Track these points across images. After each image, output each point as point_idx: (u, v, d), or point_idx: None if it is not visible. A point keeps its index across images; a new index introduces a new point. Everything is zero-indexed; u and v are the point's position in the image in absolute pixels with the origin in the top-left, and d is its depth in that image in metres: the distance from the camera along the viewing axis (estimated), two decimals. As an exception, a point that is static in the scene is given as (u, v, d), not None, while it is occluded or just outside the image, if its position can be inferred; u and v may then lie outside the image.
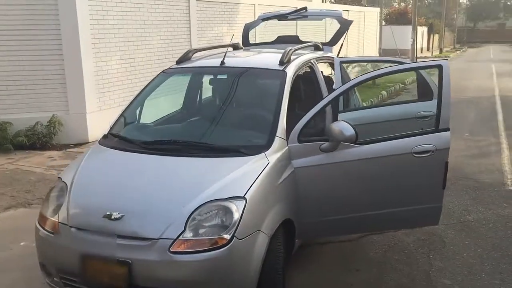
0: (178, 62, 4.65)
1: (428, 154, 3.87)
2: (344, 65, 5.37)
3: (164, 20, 10.94)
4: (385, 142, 3.92)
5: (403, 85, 16.78)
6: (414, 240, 4.82)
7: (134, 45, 10.08)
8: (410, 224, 4.36)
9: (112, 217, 3.14)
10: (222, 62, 4.36)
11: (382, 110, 5.25)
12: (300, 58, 4.57)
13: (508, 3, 79.59)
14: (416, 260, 4.43)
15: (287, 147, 3.72)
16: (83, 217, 3.27)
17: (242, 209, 3.11)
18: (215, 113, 4.14)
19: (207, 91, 4.67)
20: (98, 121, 9.24)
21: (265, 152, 3.54)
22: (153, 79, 4.57)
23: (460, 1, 72.75)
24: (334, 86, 4.93)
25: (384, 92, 14.77)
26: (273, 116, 3.81)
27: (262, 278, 3.23)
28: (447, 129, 3.91)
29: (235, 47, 5.51)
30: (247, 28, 6.19)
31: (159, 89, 4.51)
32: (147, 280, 3.05)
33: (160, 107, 4.79)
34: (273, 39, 5.92)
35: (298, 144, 3.77)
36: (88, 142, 8.90)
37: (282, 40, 5.79)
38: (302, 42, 5.83)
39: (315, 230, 4.04)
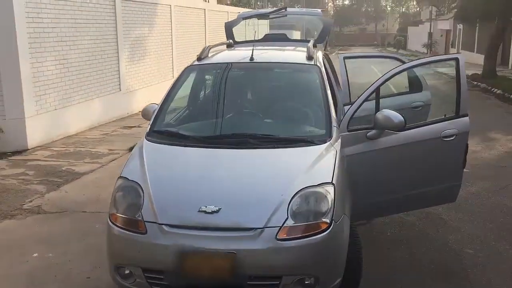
0: (199, 59, 4.63)
1: (453, 137, 4.32)
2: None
3: (94, 19, 10.47)
4: (418, 128, 4.29)
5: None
6: (417, 219, 5.28)
7: (67, 45, 9.54)
8: (434, 201, 4.79)
9: (209, 211, 3.12)
10: (252, 58, 4.43)
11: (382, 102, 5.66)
12: (319, 53, 4.80)
13: (369, 9, 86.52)
14: (431, 235, 4.88)
15: (340, 136, 3.94)
16: (176, 214, 3.20)
17: (333, 194, 3.27)
18: (261, 108, 4.22)
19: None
20: (36, 126, 8.63)
21: (330, 141, 3.73)
22: (180, 75, 4.50)
23: (327, 7, 78.18)
24: (341, 81, 5.26)
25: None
26: (325, 108, 4.00)
27: (347, 257, 3.41)
28: (466, 115, 4.38)
29: (229, 45, 5.58)
30: (229, 26, 6.26)
31: (186, 85, 4.46)
32: (254, 268, 3.08)
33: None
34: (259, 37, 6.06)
35: (347, 133, 4.00)
36: (28, 149, 8.27)
37: (270, 38, 5.95)
38: (289, 40, 6.07)
39: (364, 212, 4.29)
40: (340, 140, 3.88)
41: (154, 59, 13.72)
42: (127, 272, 3.30)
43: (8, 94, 8.19)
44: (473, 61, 26.42)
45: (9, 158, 7.87)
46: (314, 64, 4.39)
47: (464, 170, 4.43)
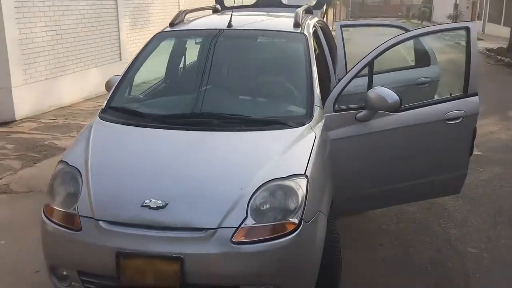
0: (171, 24, 4.06)
1: (459, 120, 3.72)
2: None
3: (90, -18, 9.91)
4: (418, 109, 3.70)
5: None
6: (418, 209, 4.72)
7: (60, 10, 9.00)
8: (436, 193, 4.22)
9: (154, 206, 2.62)
10: (229, 24, 3.86)
11: (383, 77, 5.03)
12: (309, 21, 4.19)
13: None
14: (431, 230, 4.34)
15: (324, 117, 3.37)
16: (114, 208, 2.69)
17: (305, 189, 2.73)
18: (235, 82, 3.64)
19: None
20: (24, 96, 8.18)
21: (309, 123, 3.17)
22: (147, 43, 3.95)
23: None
24: (338, 52, 4.66)
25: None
26: (307, 83, 3.43)
27: (322, 261, 2.89)
28: (475, 94, 3.77)
29: (215, 10, 4.99)
30: (220, -11, 5.65)
31: (155, 54, 3.91)
32: (204, 276, 2.59)
33: (160, 74, 4.19)
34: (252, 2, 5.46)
35: (333, 113, 3.43)
36: (15, 121, 7.86)
37: (262, 4, 5.35)
38: (284, 6, 5.45)
39: (346, 206, 3.76)
40: (323, 122, 3.32)
41: (159, 27, 13.11)
42: (64, 273, 2.84)
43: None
44: (499, 34, 25.18)
45: (-7, 129, 7.47)
46: (300, 33, 3.79)
47: (478, 152, 3.83)
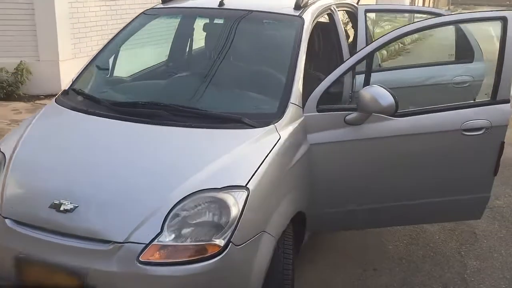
0: (164, 1, 3.67)
1: (481, 131, 3.03)
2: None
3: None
4: (427, 114, 3.05)
5: (402, 45, 15.73)
6: (439, 230, 4.03)
7: (115, -15, 8.92)
8: (448, 217, 3.54)
9: (61, 208, 2.26)
10: (221, 3, 3.40)
11: (409, 73, 4.34)
12: (319, 2, 3.61)
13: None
14: (446, 258, 3.65)
15: (302, 117, 2.84)
16: (23, 206, 2.37)
17: (242, 204, 2.25)
18: (210, 69, 3.19)
19: (199, 39, 3.69)
20: (73, 70, 8.10)
21: (276, 124, 2.66)
22: (130, 22, 3.60)
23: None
24: (358, 41, 4.07)
25: (384, 52, 13.75)
26: (287, 76, 2.90)
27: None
28: (507, 101, 3.05)
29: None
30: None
31: (139, 35, 3.54)
32: None
33: (140, 58, 3.83)
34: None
35: (316, 113, 2.89)
36: (61, 94, 7.90)
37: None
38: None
39: (332, 223, 3.22)
40: (299, 123, 2.80)
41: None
42: None
43: (42, 35, 7.77)
44: None
45: (35, 101, 7.54)
46: (297, 16, 3.24)
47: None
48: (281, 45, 3.17)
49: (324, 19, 3.79)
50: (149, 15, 3.59)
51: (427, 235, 3.95)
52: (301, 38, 3.08)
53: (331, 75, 2.93)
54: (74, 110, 2.88)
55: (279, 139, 2.59)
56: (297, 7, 3.33)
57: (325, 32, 3.91)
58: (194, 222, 2.23)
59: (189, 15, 3.64)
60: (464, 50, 4.17)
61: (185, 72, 3.17)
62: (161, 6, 3.63)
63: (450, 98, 3.67)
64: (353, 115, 2.88)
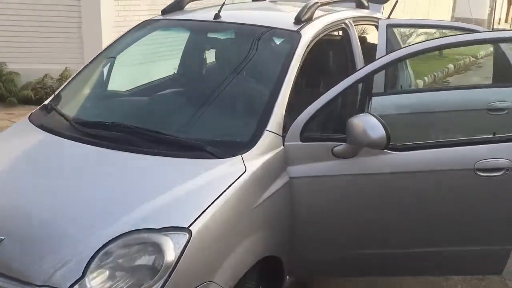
0: (163, 12, 3.44)
1: (500, 173, 2.54)
2: (399, 32, 4.00)
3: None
4: (433, 149, 2.61)
5: (474, 59, 14.74)
6: (461, 281, 3.50)
7: (164, -7, 8.90)
8: (461, 270, 3.04)
9: None
10: (217, 15, 3.12)
11: (437, 96, 3.85)
12: (329, 17, 3.24)
13: None
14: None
15: (282, 147, 2.49)
16: None
17: (181, 249, 1.95)
18: (188, 88, 2.90)
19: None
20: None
21: (243, 154, 2.33)
22: (128, 31, 3.39)
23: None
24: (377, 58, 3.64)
25: (451, 65, 12.91)
26: (267, 99, 2.57)
27: None
28: (536, 137, 2.56)
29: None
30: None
31: (131, 50, 3.32)
32: None
33: (130, 74, 3.62)
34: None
35: (300, 143, 2.53)
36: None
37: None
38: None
39: (322, 268, 2.84)
40: (277, 153, 2.45)
41: None
42: None
43: (88, 42, 7.83)
44: None
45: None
46: (294, 31, 2.90)
47: None
48: (269, 63, 2.84)
49: (336, 34, 3.41)
50: (142, 27, 3.36)
51: (450, 283, 3.45)
52: (293, 56, 2.73)
53: (319, 100, 2.56)
54: (39, 128, 2.69)
55: (244, 172, 2.27)
56: (298, 21, 2.98)
57: (336, 49, 3.53)
58: (123, 266, 1.95)
59: (183, 28, 3.39)
60: (504, 71, 3.63)
61: (164, 91, 2.91)
62: (159, 17, 3.39)
63: (482, 127, 3.18)
64: (341, 147, 2.50)
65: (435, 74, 11.25)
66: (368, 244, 2.69)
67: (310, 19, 3.04)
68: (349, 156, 2.51)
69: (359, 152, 2.50)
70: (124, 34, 3.38)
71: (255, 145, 2.38)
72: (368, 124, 2.37)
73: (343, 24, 3.40)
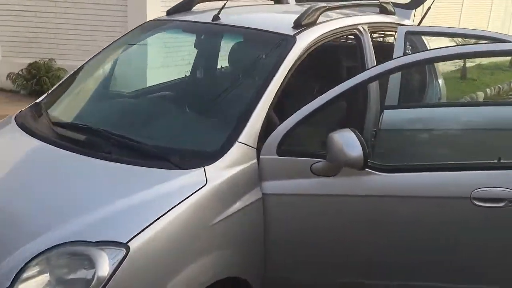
0: (169, 13, 3.34)
1: (501, 204, 2.24)
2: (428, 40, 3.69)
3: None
4: (425, 172, 2.33)
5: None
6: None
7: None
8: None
9: None
10: (216, 17, 2.97)
11: (458, 112, 3.50)
12: (336, 22, 3.02)
13: None
14: None
15: (255, 161, 2.30)
16: None
17: (115, 265, 1.82)
18: (171, 91, 2.77)
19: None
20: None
21: (207, 166, 2.17)
22: (131, 31, 3.30)
23: None
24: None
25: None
26: (245, 108, 2.39)
27: None
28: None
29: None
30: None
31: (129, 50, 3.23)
32: None
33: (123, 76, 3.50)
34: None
35: (277, 157, 2.33)
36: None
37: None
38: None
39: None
40: (247, 167, 2.27)
41: None
42: None
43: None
44: None
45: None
46: (290, 36, 2.71)
47: None
48: (255, 69, 2.65)
49: (345, 41, 3.18)
50: (145, 28, 3.26)
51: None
52: (282, 62, 2.53)
53: (300, 111, 2.35)
54: (18, 126, 2.65)
55: (204, 185, 2.10)
56: (297, 25, 2.79)
57: (344, 57, 3.29)
58: (55, 278, 1.85)
59: (179, 31, 3.25)
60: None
61: (150, 94, 2.79)
62: (163, 18, 3.30)
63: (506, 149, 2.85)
64: (321, 164, 2.28)
65: (500, 86, 10.55)
66: (347, 272, 2.45)
67: (313, 24, 2.84)
68: (329, 174, 2.29)
69: (340, 171, 2.28)
70: (123, 35, 3.29)
71: (222, 157, 2.21)
72: (347, 141, 2.15)
73: (355, 30, 3.17)
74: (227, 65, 2.83)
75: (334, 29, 2.96)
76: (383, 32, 3.70)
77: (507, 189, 2.22)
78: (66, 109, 2.87)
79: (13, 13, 7.72)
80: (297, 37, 2.69)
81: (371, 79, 2.44)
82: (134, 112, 2.66)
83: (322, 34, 2.83)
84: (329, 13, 3.13)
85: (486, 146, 2.65)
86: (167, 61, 3.00)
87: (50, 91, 3.05)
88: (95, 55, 3.15)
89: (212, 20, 2.97)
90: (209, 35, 3.05)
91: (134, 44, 3.13)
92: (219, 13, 2.97)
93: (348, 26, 3.11)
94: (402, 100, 3.48)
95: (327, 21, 2.96)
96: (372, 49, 3.25)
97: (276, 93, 2.44)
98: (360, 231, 2.37)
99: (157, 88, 3.00)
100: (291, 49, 2.61)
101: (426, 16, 3.97)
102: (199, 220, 2.08)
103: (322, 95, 2.38)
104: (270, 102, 2.41)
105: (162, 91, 2.92)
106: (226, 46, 2.85)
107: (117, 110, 2.79)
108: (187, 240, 2.04)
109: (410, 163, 2.39)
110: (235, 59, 2.82)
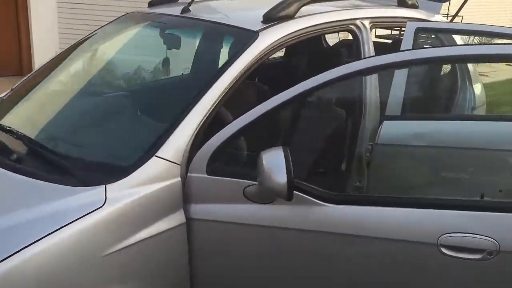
0: (150, 4, 3.03)
1: (478, 256, 1.70)
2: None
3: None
4: (384, 207, 1.84)
5: None
6: None
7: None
8: None
9: None
10: (186, 9, 2.63)
11: (470, 126, 2.85)
12: (323, 16, 2.57)
13: None
14: None
15: (178, 179, 1.94)
16: None
17: None
18: (129, 91, 2.44)
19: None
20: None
21: (109, 184, 1.83)
22: (109, 23, 3.01)
23: None
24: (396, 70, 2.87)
25: None
26: (172, 116, 2.03)
27: None
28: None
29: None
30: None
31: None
32: None
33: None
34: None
35: (206, 176, 1.95)
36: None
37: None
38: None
39: None
40: (166, 186, 1.91)
41: None
42: None
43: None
44: None
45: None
46: (252, 31, 2.29)
47: None
48: (202, 69, 2.29)
49: (338, 39, 2.71)
50: (128, 19, 2.96)
51: None
52: (234, 62, 2.13)
53: (235, 122, 1.95)
54: None
55: (100, 207, 1.77)
56: (267, 19, 2.37)
57: (332, 58, 2.81)
58: None
59: (152, 24, 2.91)
60: None
61: (87, 96, 2.47)
62: (145, 11, 3.00)
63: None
64: (253, 188, 1.87)
65: None
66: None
67: (289, 17, 2.41)
68: (263, 200, 1.88)
69: (275, 198, 1.86)
70: (97, 29, 3.00)
71: (131, 173, 1.87)
72: (273, 163, 1.73)
73: (351, 26, 2.69)
74: (174, 62, 2.48)
75: (317, 24, 2.51)
76: (399, 29, 3.16)
77: (488, 238, 1.68)
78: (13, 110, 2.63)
79: (69, 5, 7.84)
80: (261, 33, 2.28)
81: (323, 85, 1.96)
82: (61, 116, 2.38)
83: (297, 30, 2.40)
84: (319, 5, 2.68)
85: (482, 172, 2.10)
86: (126, 59, 2.69)
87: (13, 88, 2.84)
88: (69, 48, 2.88)
89: (181, 13, 2.63)
90: (171, 29, 2.70)
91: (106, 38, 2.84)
92: (189, 4, 2.62)
93: (340, 21, 2.64)
94: (416, 110, 2.96)
95: (310, 14, 2.51)
96: (373, 48, 2.76)
97: (219, 100, 2.06)
98: (298, 270, 1.93)
99: (96, 90, 2.68)
100: (248, 47, 2.20)
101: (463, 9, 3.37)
102: (91, 248, 1.75)
103: (265, 102, 1.96)
104: (210, 110, 2.03)
105: (100, 93, 2.61)
106: (186, 43, 2.50)
107: (46, 112, 2.52)
108: (70, 272, 1.72)
109: (366, 194, 1.91)
110: (188, 57, 2.46)
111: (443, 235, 1.72)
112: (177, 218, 1.93)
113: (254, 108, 1.94)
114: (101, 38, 2.80)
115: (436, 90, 3.08)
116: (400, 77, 2.71)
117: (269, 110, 1.94)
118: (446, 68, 3.35)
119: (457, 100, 3.32)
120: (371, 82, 2.64)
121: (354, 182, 2.56)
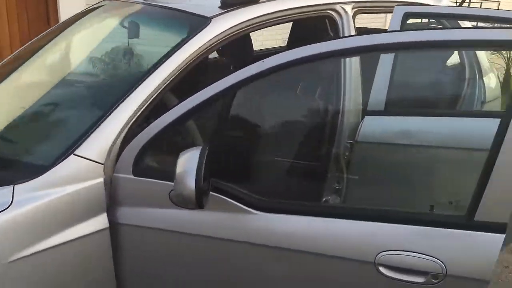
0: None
1: (422, 279, 1.42)
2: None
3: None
4: (315, 217, 1.58)
5: None
6: None
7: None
8: None
9: None
10: (149, -5, 2.44)
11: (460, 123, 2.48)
12: (294, 1, 2.33)
13: None
14: None
15: (100, 180, 1.75)
16: None
17: None
18: (58, 86, 2.28)
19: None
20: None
21: (18, 185, 1.67)
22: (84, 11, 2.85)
23: None
24: (380, 61, 2.58)
25: None
26: (97, 109, 1.85)
27: None
28: (502, 228, 1.36)
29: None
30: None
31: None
32: None
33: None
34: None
35: (132, 177, 1.76)
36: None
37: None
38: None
39: None
40: (86, 187, 1.73)
41: None
42: None
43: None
44: None
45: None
46: (204, 17, 2.08)
47: None
48: (145, 58, 2.09)
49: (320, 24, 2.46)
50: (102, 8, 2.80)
51: None
52: (176, 50, 1.93)
53: (165, 116, 1.74)
54: None
55: (6, 209, 1.61)
56: (225, 4, 2.16)
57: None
58: None
59: (123, 12, 2.71)
60: None
61: (33, 88, 2.31)
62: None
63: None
64: (176, 193, 1.67)
65: None
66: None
67: (253, 2, 2.19)
68: (188, 207, 1.67)
69: (204, 206, 1.64)
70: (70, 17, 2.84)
71: (45, 173, 1.70)
72: (187, 166, 1.52)
73: (329, 12, 2.43)
74: (121, 51, 2.29)
75: (285, 10, 2.27)
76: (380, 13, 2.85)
77: (432, 258, 1.40)
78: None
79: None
80: (213, 19, 2.07)
81: (261, 74, 1.71)
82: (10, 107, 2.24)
83: (260, 16, 2.17)
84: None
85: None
86: (84, 50, 2.52)
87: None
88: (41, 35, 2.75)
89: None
90: (130, 17, 2.51)
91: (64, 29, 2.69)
92: (155, -10, 2.44)
93: (316, 5, 2.38)
94: (408, 104, 2.67)
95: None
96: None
97: (159, 91, 1.87)
98: (224, 284, 1.71)
99: (36, 82, 2.51)
100: (195, 34, 2.00)
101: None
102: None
103: (197, 93, 1.74)
104: (147, 103, 1.84)
105: (40, 86, 2.44)
106: (145, 31, 2.31)
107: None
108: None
109: (297, 201, 1.66)
110: (138, 46, 2.28)
111: (381, 252, 1.45)
112: (98, 223, 1.76)
113: (186, 100, 1.74)
114: (60, 29, 2.67)
115: (431, 81, 2.75)
116: (385, 65, 2.43)
117: (203, 101, 1.72)
118: (451, 57, 3.01)
119: (465, 95, 2.98)
120: (351, 71, 2.38)
121: (332, 184, 2.33)
